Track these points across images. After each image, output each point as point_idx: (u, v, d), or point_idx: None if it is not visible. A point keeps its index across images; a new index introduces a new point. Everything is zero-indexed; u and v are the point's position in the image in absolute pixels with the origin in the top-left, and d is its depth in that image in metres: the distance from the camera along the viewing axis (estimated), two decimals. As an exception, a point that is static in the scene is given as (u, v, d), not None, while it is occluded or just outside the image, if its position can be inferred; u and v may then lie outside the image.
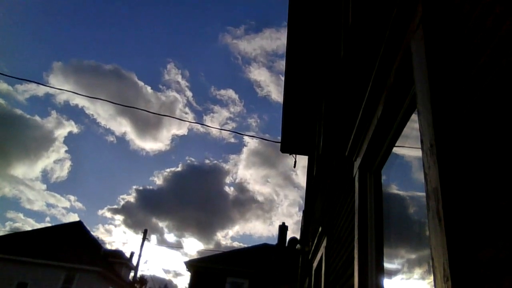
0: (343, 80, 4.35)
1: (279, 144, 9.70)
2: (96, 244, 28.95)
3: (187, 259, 23.92)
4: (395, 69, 1.97)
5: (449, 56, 1.35)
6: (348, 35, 4.23)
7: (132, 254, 31.88)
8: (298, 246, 8.49)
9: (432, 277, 1.23)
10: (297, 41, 6.81)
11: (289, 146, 9.67)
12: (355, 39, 3.76)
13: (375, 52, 2.63)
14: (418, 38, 1.59)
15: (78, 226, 29.48)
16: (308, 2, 6.11)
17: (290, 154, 9.91)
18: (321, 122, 6.86)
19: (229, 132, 77.70)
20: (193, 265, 22.84)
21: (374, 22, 2.87)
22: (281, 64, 70.89)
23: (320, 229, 5.00)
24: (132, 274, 27.33)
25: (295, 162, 9.75)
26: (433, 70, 1.42)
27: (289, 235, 25.65)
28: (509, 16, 1.00)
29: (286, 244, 22.33)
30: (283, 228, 26.10)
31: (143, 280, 34.40)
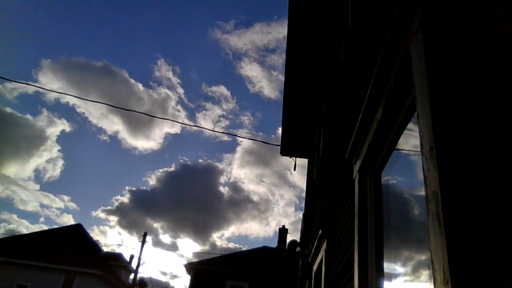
0: (343, 82, 4.36)
1: (276, 145, 9.72)
2: (95, 247, 28.89)
3: (183, 260, 23.94)
4: (394, 72, 1.97)
5: (448, 59, 1.35)
6: (348, 37, 4.23)
7: (131, 257, 31.83)
8: (298, 249, 8.48)
9: (432, 280, 1.22)
10: (297, 45, 6.82)
11: (289, 149, 9.68)
12: (355, 41, 3.77)
13: (374, 55, 2.63)
14: (418, 41, 1.59)
15: (77, 229, 29.44)
16: (308, 4, 6.12)
17: (290, 157, 9.91)
18: (321, 125, 6.86)
19: (226, 132, 76.88)
20: (193, 268, 22.80)
21: (374, 25, 2.88)
22: (273, 59, 70.16)
23: (320, 231, 4.99)
24: (131, 276, 27.24)
25: (295, 165, 9.74)
26: (433, 73, 1.43)
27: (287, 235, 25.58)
28: (509, 18, 1.00)
29: (286, 247, 22.29)
30: (282, 231, 26.05)
31: (142, 283, 34.31)
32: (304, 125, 8.70)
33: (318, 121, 7.51)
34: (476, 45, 1.16)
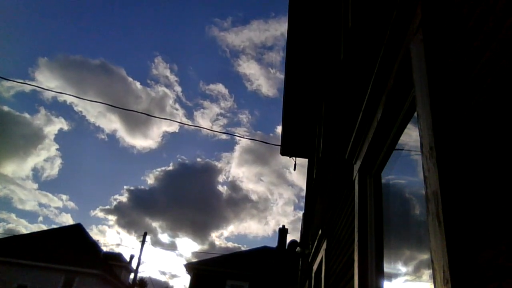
0: (343, 82, 4.36)
1: (276, 145, 9.71)
2: (95, 246, 28.90)
3: (182, 260, 23.94)
4: (394, 72, 1.97)
5: (448, 58, 1.35)
6: (348, 37, 4.23)
7: (131, 256, 31.83)
8: (298, 249, 8.48)
9: (432, 280, 1.22)
10: (297, 44, 6.82)
11: (289, 149, 9.67)
12: (355, 41, 3.77)
13: (375, 55, 2.63)
14: (418, 41, 1.59)
15: (77, 229, 29.45)
16: (309, 3, 6.12)
17: (290, 157, 9.91)
18: (321, 125, 6.86)
19: (225, 132, 76.38)
20: (193, 268, 22.81)
21: (374, 25, 2.88)
22: (271, 57, 69.80)
23: (320, 231, 4.99)
24: (131, 276, 27.24)
25: (295, 165, 9.74)
26: (433, 73, 1.43)
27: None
28: (509, 17, 1.00)
29: (286, 247, 22.29)
30: (282, 231, 26.05)
31: (142, 282, 34.31)
32: (304, 125, 8.69)
33: (318, 120, 7.51)
34: (476, 45, 1.16)
